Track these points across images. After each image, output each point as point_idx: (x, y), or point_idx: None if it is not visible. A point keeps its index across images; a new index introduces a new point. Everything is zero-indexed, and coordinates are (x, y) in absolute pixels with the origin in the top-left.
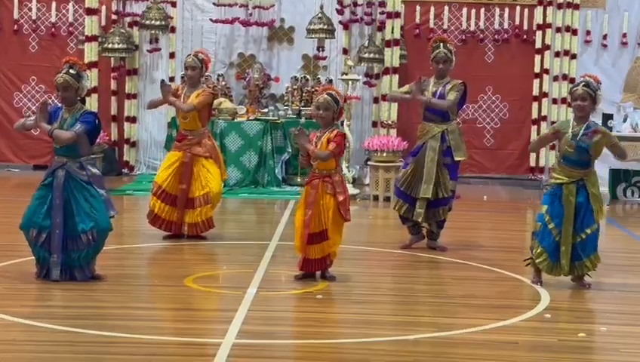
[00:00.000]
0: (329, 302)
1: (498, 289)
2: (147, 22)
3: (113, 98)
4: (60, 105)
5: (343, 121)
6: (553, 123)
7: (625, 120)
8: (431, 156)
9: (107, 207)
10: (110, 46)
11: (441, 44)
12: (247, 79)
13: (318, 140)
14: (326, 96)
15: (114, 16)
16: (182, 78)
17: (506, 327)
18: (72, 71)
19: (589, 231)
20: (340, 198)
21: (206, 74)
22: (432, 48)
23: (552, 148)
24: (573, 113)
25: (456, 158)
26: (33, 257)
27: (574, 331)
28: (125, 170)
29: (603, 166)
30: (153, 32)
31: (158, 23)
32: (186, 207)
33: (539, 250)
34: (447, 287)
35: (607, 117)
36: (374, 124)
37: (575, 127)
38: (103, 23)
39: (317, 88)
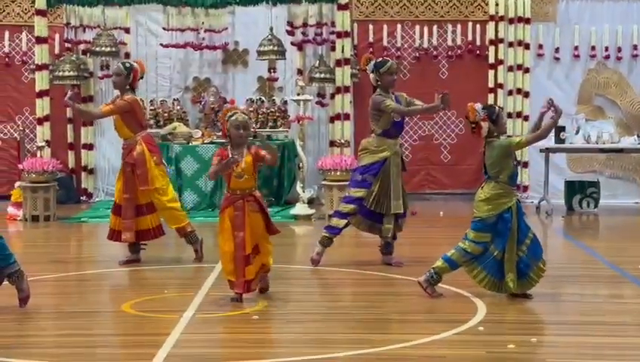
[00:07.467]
0: (265, 323)
1: (439, 304)
2: (97, 48)
3: (69, 126)
4: None
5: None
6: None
7: (577, 132)
8: (395, 172)
9: None
10: (60, 74)
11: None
12: (203, 103)
13: (241, 158)
14: (244, 115)
15: (67, 44)
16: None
17: (437, 341)
18: None
19: (528, 241)
20: (268, 212)
21: (160, 99)
22: (379, 63)
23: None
24: None
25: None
26: None
27: (504, 343)
28: (84, 198)
29: (558, 178)
30: (104, 58)
31: (108, 49)
32: (137, 215)
33: (482, 274)
34: (388, 304)
35: (560, 129)
36: (332, 144)
37: None
38: (57, 51)
39: (272, 109)
